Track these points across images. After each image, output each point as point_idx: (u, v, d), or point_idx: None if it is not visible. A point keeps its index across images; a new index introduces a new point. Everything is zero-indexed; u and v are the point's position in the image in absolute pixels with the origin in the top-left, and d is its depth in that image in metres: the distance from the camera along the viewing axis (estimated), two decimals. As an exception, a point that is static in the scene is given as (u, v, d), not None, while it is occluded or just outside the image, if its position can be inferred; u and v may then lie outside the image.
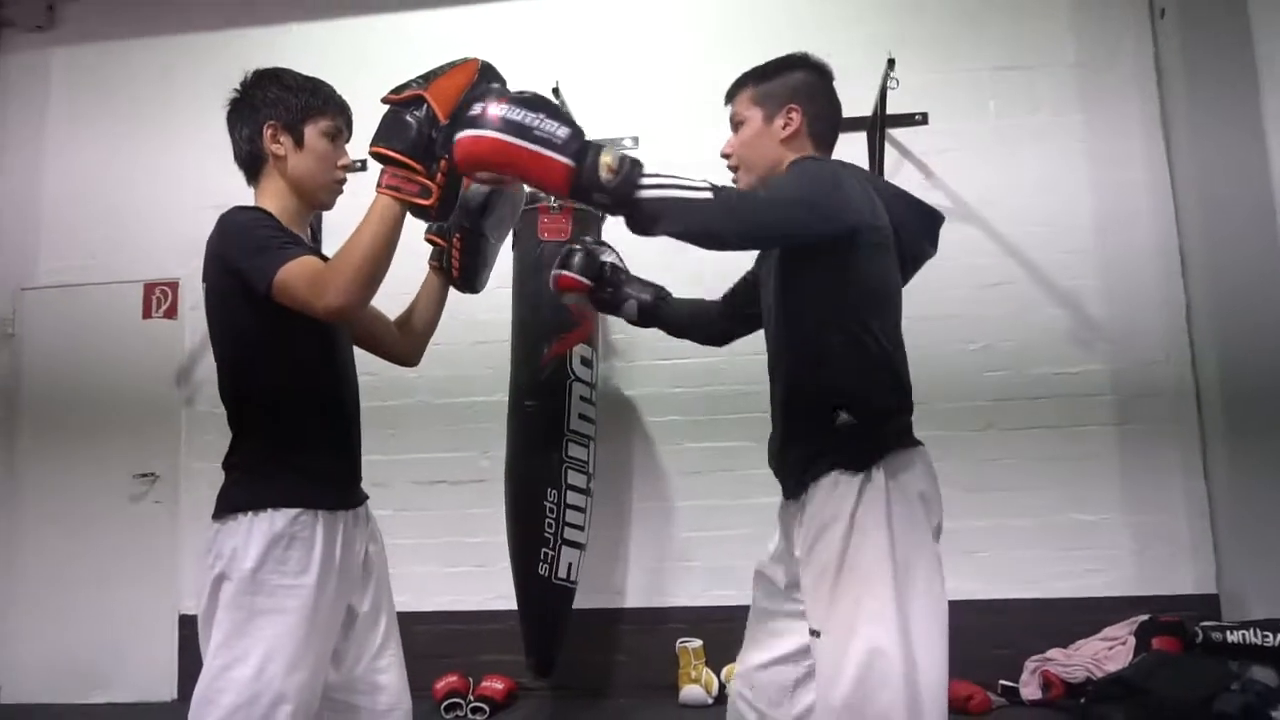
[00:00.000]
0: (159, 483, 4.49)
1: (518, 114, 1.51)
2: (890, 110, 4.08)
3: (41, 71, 4.94)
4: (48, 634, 4.44)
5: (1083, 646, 3.79)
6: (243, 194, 1.91)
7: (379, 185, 1.64)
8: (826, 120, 1.97)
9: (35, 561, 4.50)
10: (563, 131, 1.51)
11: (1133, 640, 3.68)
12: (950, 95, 4.28)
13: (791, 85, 1.95)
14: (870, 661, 1.67)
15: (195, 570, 3.90)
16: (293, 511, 1.73)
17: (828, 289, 1.78)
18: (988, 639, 3.85)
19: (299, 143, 1.84)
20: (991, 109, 4.29)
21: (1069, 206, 4.19)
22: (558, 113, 1.54)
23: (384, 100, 1.65)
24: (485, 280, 2.10)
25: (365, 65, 4.48)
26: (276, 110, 1.84)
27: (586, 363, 3.64)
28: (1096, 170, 4.21)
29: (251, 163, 1.87)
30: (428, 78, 1.66)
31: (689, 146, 4.29)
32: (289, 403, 1.78)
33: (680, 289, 2.30)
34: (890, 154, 4.25)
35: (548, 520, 3.47)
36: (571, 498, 3.53)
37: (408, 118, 1.61)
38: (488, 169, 1.57)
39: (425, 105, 1.62)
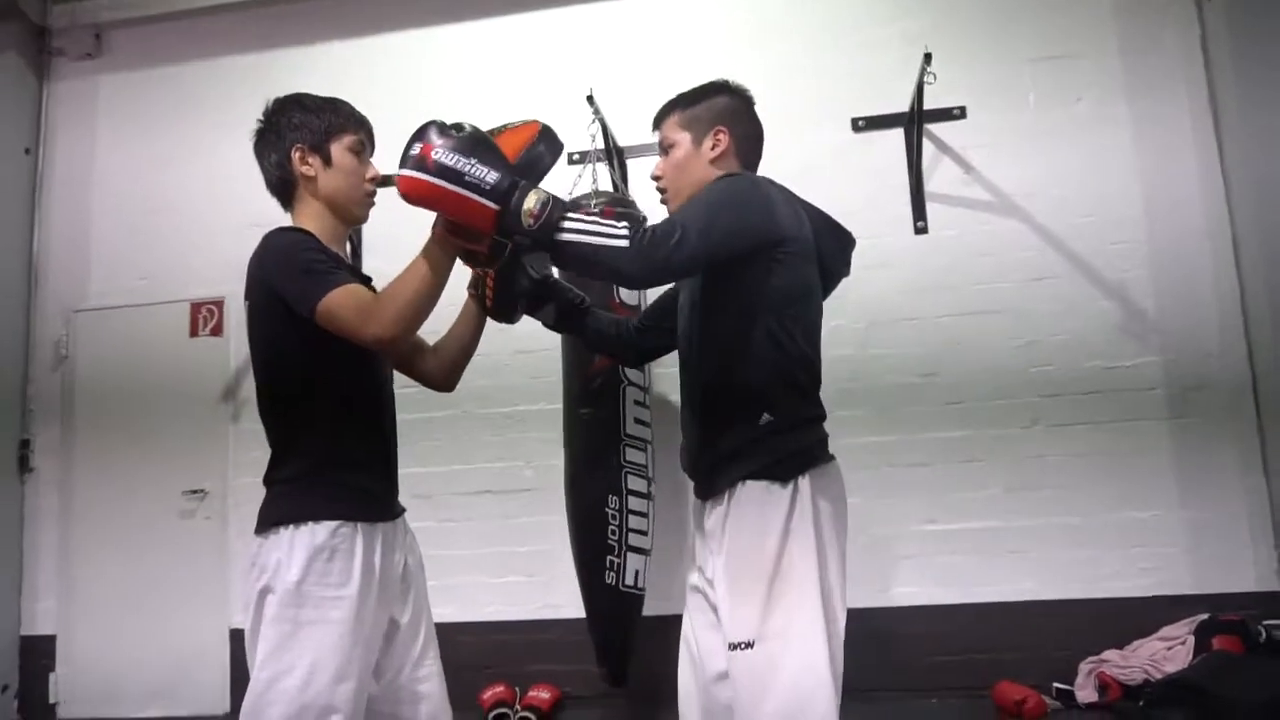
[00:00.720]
0: (208, 499, 4.56)
1: (450, 158, 1.59)
2: (928, 105, 4.04)
3: (89, 98, 5.06)
4: (103, 650, 4.53)
5: (1140, 647, 3.69)
6: (278, 211, 1.96)
7: (435, 226, 1.70)
8: (751, 142, 2.06)
9: (90, 578, 4.60)
10: (491, 176, 1.60)
11: (1192, 640, 3.58)
12: (989, 88, 4.22)
13: (717, 109, 2.02)
14: (803, 674, 1.71)
15: (243, 585, 3.96)
16: (333, 524, 1.75)
17: (751, 292, 1.83)
18: (1041, 641, 3.79)
19: (327, 161, 1.89)
20: (1031, 101, 4.22)
21: (1116, 197, 4.10)
22: (490, 154, 1.62)
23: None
24: (522, 311, 2.12)
25: (405, 79, 4.59)
26: (301, 133, 1.89)
27: (639, 367, 3.63)
28: (1144, 160, 4.12)
29: (284, 187, 1.92)
30: (493, 133, 1.70)
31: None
32: (326, 420, 1.81)
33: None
34: (928, 149, 4.21)
35: (611, 527, 3.43)
36: (633, 503, 3.49)
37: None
38: (422, 206, 1.64)
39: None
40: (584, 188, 3.79)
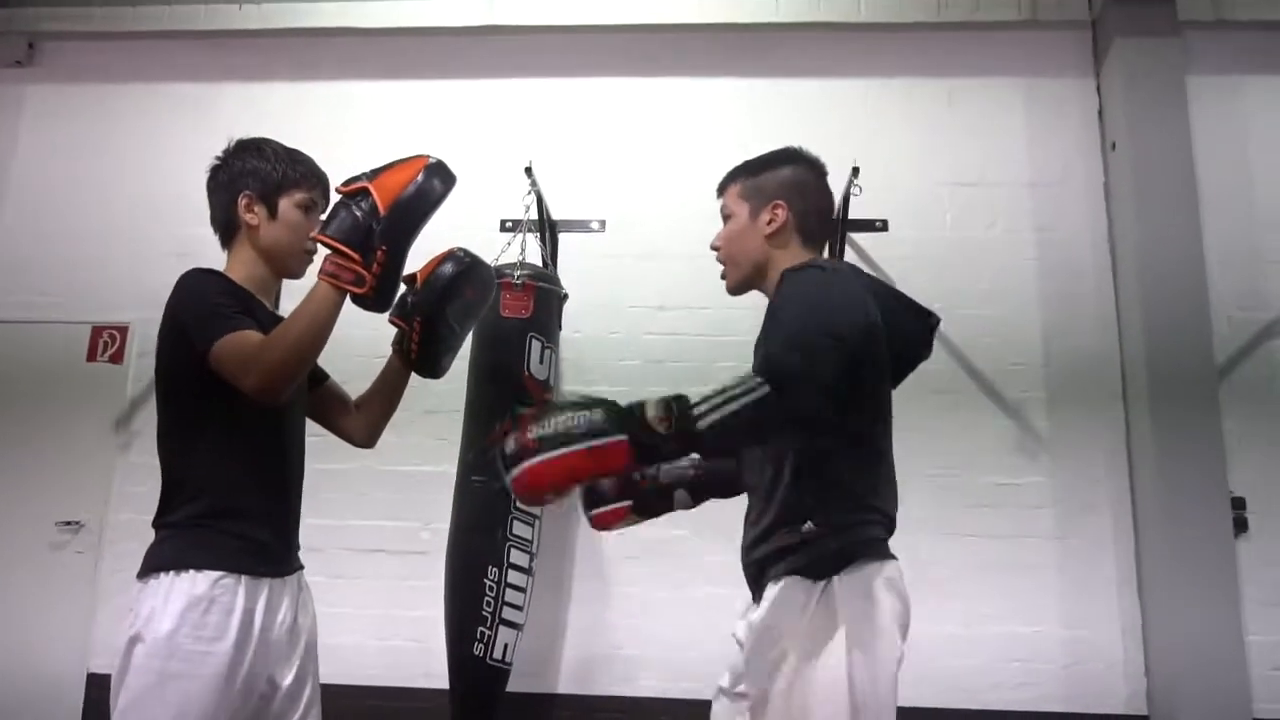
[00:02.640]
0: (83, 532, 4.34)
1: (549, 427, 1.43)
2: (852, 215, 4.21)
3: (14, 106, 4.93)
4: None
5: (1014, 761, 3.76)
6: (204, 243, 1.94)
7: (320, 271, 1.68)
8: (816, 216, 1.94)
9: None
10: (597, 414, 1.44)
11: (1063, 757, 3.66)
12: (910, 205, 4.43)
13: (779, 181, 1.94)
14: None
15: (112, 627, 3.74)
16: (215, 574, 1.69)
17: None
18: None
19: (272, 213, 1.88)
20: (948, 221, 4.44)
21: (1019, 320, 4.32)
22: (568, 402, 1.47)
23: (336, 190, 1.72)
24: (447, 366, 2.09)
25: (339, 130, 4.58)
26: (253, 181, 1.88)
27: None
28: (1045, 285, 4.35)
29: (226, 229, 1.91)
30: (376, 172, 1.71)
31: (655, 232, 4.42)
32: (221, 466, 1.76)
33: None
34: (850, 257, 4.37)
35: (487, 599, 3.41)
36: (513, 577, 3.48)
37: (353, 208, 1.66)
38: (561, 491, 1.48)
39: (369, 197, 1.67)
40: (511, 256, 3.82)
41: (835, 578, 1.67)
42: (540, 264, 4.08)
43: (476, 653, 3.39)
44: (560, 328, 3.99)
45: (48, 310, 4.57)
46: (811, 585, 1.68)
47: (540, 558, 3.64)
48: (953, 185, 4.47)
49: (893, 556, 1.78)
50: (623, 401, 1.47)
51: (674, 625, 4.02)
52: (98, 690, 4.13)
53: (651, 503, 2.02)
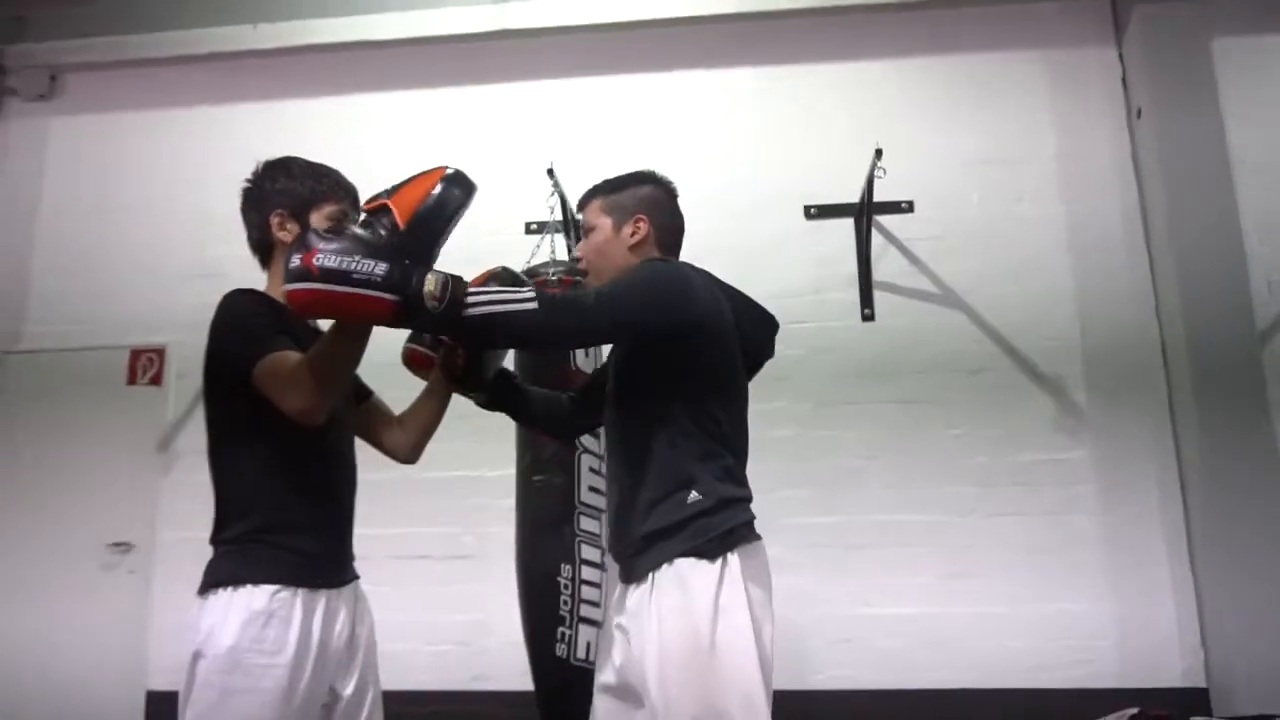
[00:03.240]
0: (133, 552, 4.41)
1: (334, 260, 1.51)
2: (877, 198, 4.18)
3: (40, 139, 5.00)
4: (11, 702, 4.30)
5: (1070, 739, 3.73)
6: (232, 262, 1.98)
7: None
8: (671, 232, 2.10)
9: (3, 626, 4.37)
10: (380, 268, 1.53)
11: (1122, 734, 3.62)
12: (936, 185, 4.40)
13: (639, 197, 2.07)
14: None
15: (167, 644, 3.81)
16: (272, 588, 1.71)
17: (672, 374, 1.85)
18: (973, 730, 3.81)
19: (305, 229, 1.89)
20: (975, 199, 4.40)
21: (1052, 296, 4.27)
22: (372, 247, 1.56)
23: (361, 208, 1.71)
24: (490, 379, 2.11)
25: (364, 142, 4.61)
26: (283, 199, 1.91)
27: (594, 433, 3.62)
28: (1078, 260, 4.30)
29: (262, 249, 1.94)
30: (396, 187, 1.68)
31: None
32: (272, 481, 1.78)
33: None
34: (877, 239, 4.35)
35: (563, 598, 3.32)
36: (586, 573, 3.38)
37: (375, 227, 1.64)
38: (317, 316, 1.61)
39: (390, 214, 1.65)
40: (542, 256, 3.83)
41: (729, 555, 1.76)
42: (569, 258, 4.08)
43: (559, 654, 3.30)
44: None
45: (84, 337, 4.64)
46: (709, 565, 1.74)
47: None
48: (978, 163, 4.43)
49: (760, 537, 1.87)
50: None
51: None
52: (157, 707, 4.23)
53: (456, 369, 2.05)
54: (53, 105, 5.05)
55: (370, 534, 4.02)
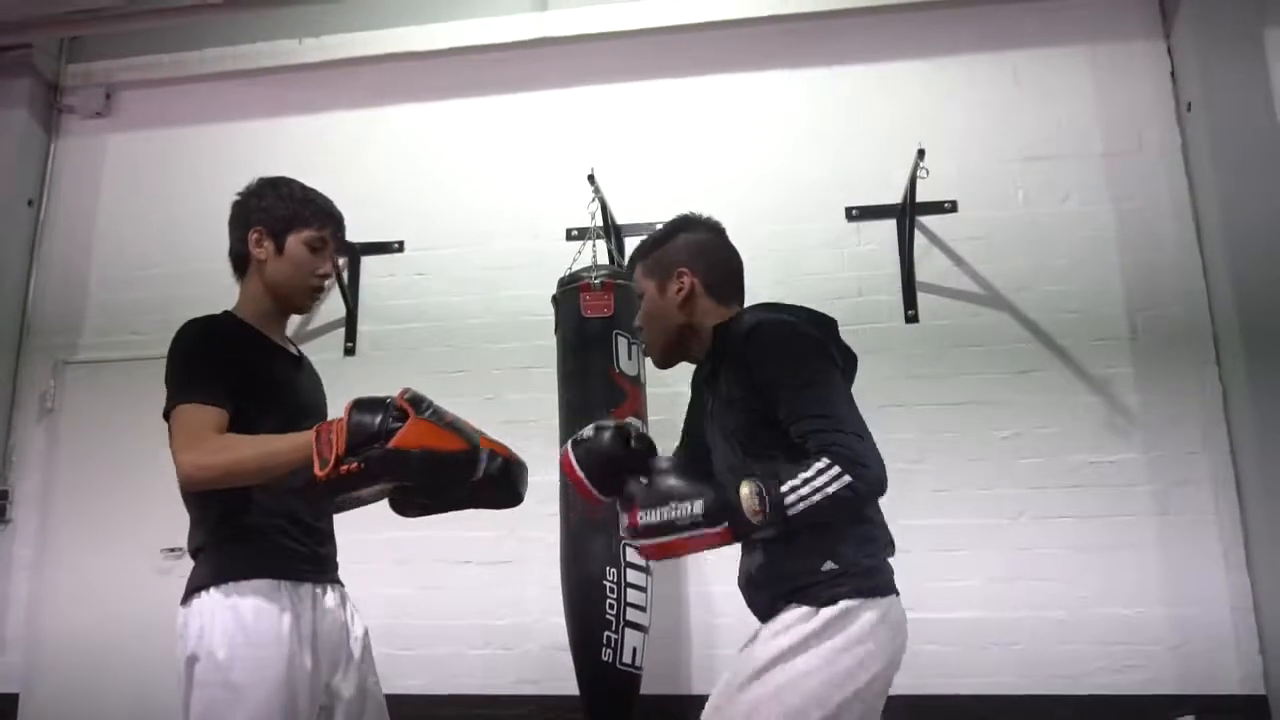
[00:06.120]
0: (187, 557, 4.48)
1: (653, 517, 1.65)
2: (920, 198, 4.15)
3: (96, 155, 5.14)
4: (68, 714, 4.41)
5: (1125, 747, 3.65)
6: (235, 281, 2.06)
7: (319, 427, 1.63)
8: (722, 275, 1.99)
9: (60, 635, 4.50)
10: (698, 507, 1.63)
11: (1178, 741, 3.54)
12: (979, 184, 4.35)
13: (676, 249, 1.98)
14: None
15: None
16: (256, 582, 1.73)
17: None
18: (1025, 737, 3.74)
19: (280, 249, 1.95)
20: (1020, 198, 4.33)
21: (1102, 294, 4.19)
22: (678, 490, 1.66)
23: (400, 394, 1.66)
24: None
25: (409, 151, 4.69)
26: (265, 216, 1.96)
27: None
28: (1126, 258, 4.22)
29: (238, 262, 2.01)
30: (436, 413, 1.65)
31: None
32: (243, 489, 1.76)
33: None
34: (920, 240, 4.30)
35: (609, 601, 3.32)
36: (632, 576, 3.39)
37: (386, 418, 1.60)
38: (672, 557, 1.70)
39: (400, 423, 1.60)
40: (583, 262, 3.86)
41: (834, 605, 1.71)
42: (609, 263, 4.10)
43: (605, 658, 3.30)
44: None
45: (140, 348, 4.75)
46: (810, 610, 1.72)
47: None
48: (1023, 161, 4.37)
49: (893, 592, 1.85)
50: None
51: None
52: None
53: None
54: (108, 122, 5.18)
55: (414, 537, 4.12)
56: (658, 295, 1.97)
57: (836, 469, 1.62)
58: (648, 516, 1.64)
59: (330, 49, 4.93)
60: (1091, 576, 3.93)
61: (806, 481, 1.62)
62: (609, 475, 1.88)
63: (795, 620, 1.71)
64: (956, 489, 4.08)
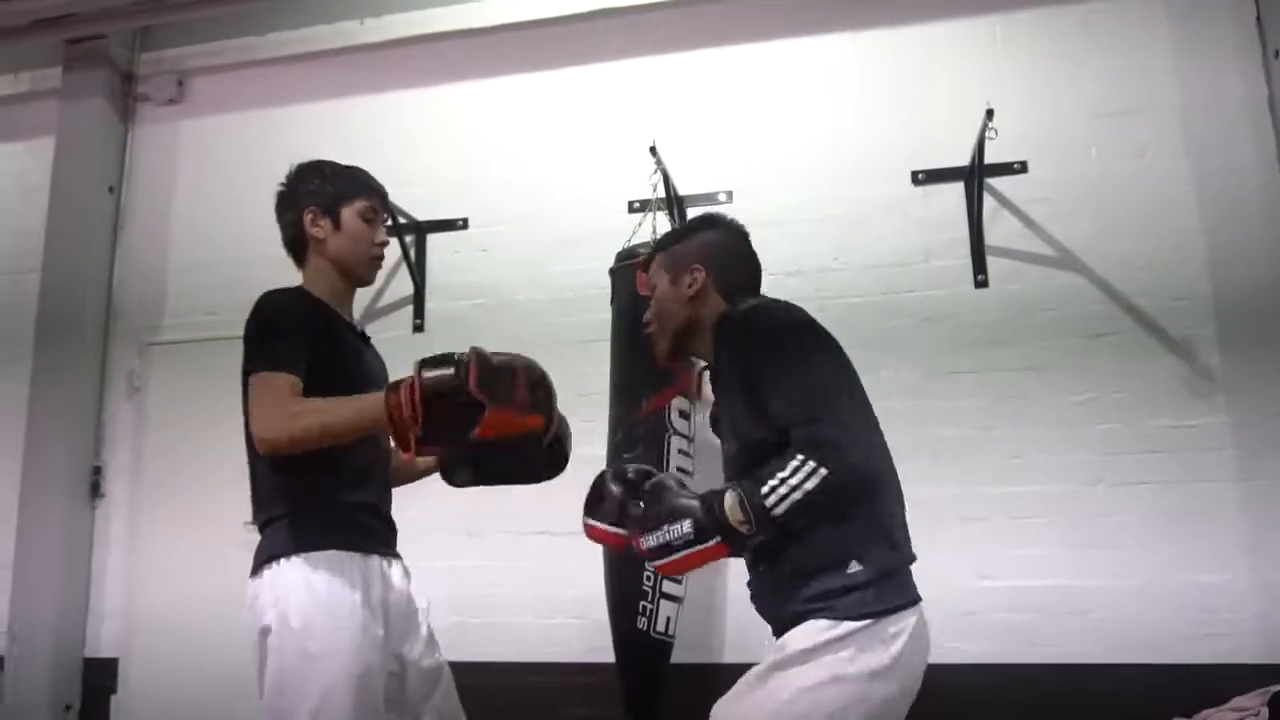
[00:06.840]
0: (265, 530, 4.64)
1: (654, 540, 1.70)
2: (988, 160, 4.04)
3: (171, 141, 5.29)
4: (163, 676, 4.63)
5: (1210, 718, 3.56)
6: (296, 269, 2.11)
7: (390, 389, 1.63)
8: (734, 277, 2.00)
9: (154, 604, 4.71)
10: (688, 526, 1.66)
11: (1266, 712, 3.43)
12: (1050, 142, 4.22)
13: (695, 245, 2.01)
14: None
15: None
16: (326, 553, 1.77)
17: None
18: (1101, 707, 3.68)
19: (336, 225, 2.00)
20: (1093, 155, 4.20)
21: (1180, 253, 4.05)
22: (668, 511, 1.70)
23: (479, 379, 1.65)
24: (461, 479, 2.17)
25: (473, 128, 4.72)
26: (315, 197, 2.01)
27: (684, 415, 3.65)
28: (1207, 215, 4.05)
29: (296, 247, 2.06)
30: (527, 408, 1.70)
31: (779, 203, 4.36)
32: (308, 461, 1.77)
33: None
34: (989, 203, 4.20)
35: (646, 573, 3.43)
36: None
37: (457, 404, 1.60)
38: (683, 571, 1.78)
39: (479, 414, 1.60)
40: (643, 235, 3.86)
41: (855, 620, 1.68)
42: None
43: (640, 626, 3.44)
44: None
45: (220, 327, 4.88)
46: (830, 625, 1.68)
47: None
48: (1095, 116, 4.21)
49: (915, 601, 1.81)
50: None
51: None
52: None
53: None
54: (181, 109, 5.32)
55: (483, 509, 4.19)
56: (669, 289, 1.99)
57: (811, 463, 1.62)
58: (648, 540, 1.70)
59: (391, 28, 4.97)
60: (1171, 544, 3.83)
61: (784, 480, 1.63)
62: (622, 516, 2.04)
63: (817, 632, 1.69)
64: (1029, 455, 4.00)
